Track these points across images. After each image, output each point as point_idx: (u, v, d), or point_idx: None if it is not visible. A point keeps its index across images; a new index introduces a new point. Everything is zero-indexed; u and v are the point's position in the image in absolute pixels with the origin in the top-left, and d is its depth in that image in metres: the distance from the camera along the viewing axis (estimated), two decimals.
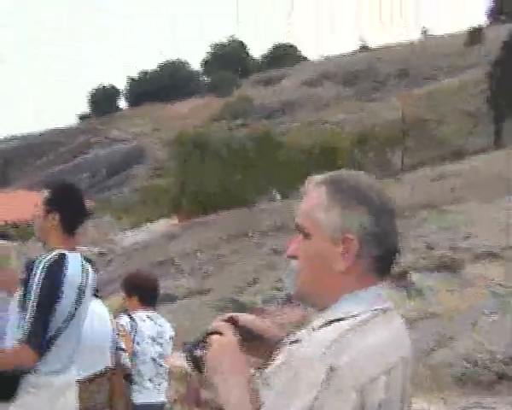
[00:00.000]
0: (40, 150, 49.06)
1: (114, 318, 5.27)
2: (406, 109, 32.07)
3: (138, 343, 5.42)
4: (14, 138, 54.13)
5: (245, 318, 1.98)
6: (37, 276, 3.64)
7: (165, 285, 15.96)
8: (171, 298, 14.65)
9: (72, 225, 3.85)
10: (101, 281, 17.64)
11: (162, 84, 57.45)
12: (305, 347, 1.61)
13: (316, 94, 48.35)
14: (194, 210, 23.52)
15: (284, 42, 67.47)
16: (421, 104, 34.20)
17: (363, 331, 1.64)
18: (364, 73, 50.26)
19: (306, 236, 1.73)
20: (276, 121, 41.84)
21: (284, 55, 61.79)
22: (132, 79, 62.71)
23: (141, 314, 5.45)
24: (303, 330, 1.69)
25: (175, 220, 24.58)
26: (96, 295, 4.81)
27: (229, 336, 1.81)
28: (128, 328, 5.35)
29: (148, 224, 25.19)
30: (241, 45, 64.50)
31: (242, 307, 12.42)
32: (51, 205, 3.85)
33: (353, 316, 1.66)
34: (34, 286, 3.64)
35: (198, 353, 1.79)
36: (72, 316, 3.79)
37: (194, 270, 17.32)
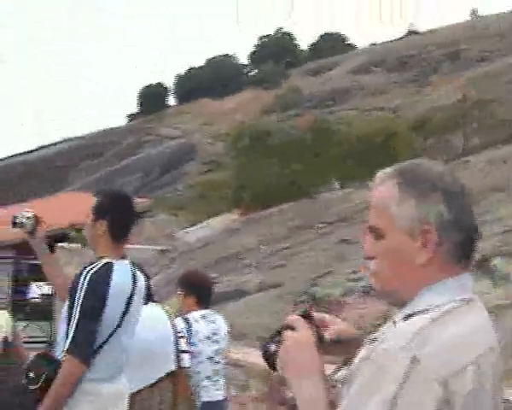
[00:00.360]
0: (93, 151, 49.35)
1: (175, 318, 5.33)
2: (463, 92, 31.44)
3: (194, 344, 5.43)
4: (68, 140, 54.56)
5: (323, 318, 1.95)
6: (82, 286, 3.69)
7: (234, 281, 15.72)
8: (241, 293, 14.36)
9: (120, 233, 3.91)
10: (163, 280, 17.38)
11: (210, 80, 57.43)
12: (387, 340, 1.59)
13: (366, 81, 47.85)
14: (254, 204, 23.26)
15: (330, 31, 67.11)
16: (477, 86, 33.47)
17: (447, 322, 1.61)
18: (414, 57, 49.55)
19: (380, 235, 1.72)
20: (328, 110, 41.44)
21: (332, 45, 61.44)
22: (180, 76, 62.86)
23: (195, 315, 5.50)
24: (384, 327, 1.68)
25: (235, 215, 24.29)
26: (153, 301, 5.03)
27: (304, 332, 1.78)
28: (183, 330, 5.37)
29: (210, 220, 24.91)
30: (289, 36, 64.27)
31: (318, 300, 12.12)
32: (99, 213, 3.90)
33: (436, 307, 1.64)
34: (79, 296, 3.69)
35: (272, 348, 1.75)
36: (119, 325, 3.80)
37: (260, 264, 16.98)
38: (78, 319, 3.68)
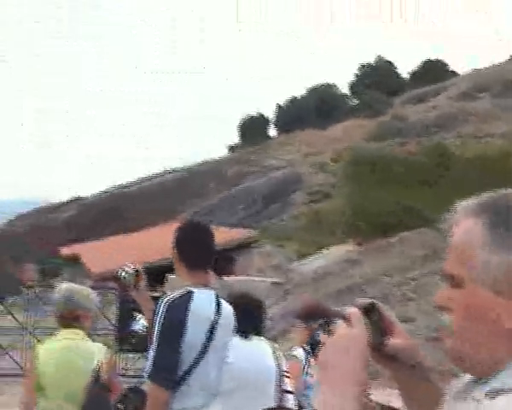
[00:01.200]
0: (196, 182, 49.62)
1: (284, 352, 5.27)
2: None
3: (312, 375, 5.35)
4: (170, 172, 55.08)
5: (392, 321, 1.62)
6: (162, 313, 3.78)
7: None
8: None
9: (194, 262, 4.01)
10: (278, 313, 16.90)
11: (311, 109, 57.39)
12: None
13: (472, 107, 46.85)
14: (371, 233, 22.67)
15: (431, 58, 66.29)
16: None
17: None
18: None
19: (459, 284, 1.43)
20: (435, 138, 40.59)
21: (433, 71, 60.67)
22: (281, 106, 62.99)
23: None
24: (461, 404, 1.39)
25: (350, 245, 23.72)
26: (258, 333, 5.02)
27: (359, 330, 1.50)
28: (302, 359, 5.41)
29: (325, 250, 24.40)
30: (389, 64, 63.84)
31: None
32: (175, 243, 4.10)
33: None
34: (158, 324, 3.78)
35: (319, 338, 1.26)
36: (203, 352, 3.83)
37: (385, 296, 16.36)
38: (158, 346, 3.71)
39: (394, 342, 1.62)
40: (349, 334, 1.49)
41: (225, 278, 17.78)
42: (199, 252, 4.06)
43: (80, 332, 5.13)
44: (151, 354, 3.76)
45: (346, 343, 1.48)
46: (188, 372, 3.77)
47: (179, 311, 3.80)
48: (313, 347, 5.62)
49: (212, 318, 3.91)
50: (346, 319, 1.53)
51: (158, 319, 3.80)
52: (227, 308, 4.08)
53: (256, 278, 21.07)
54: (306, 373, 5.47)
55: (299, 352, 5.57)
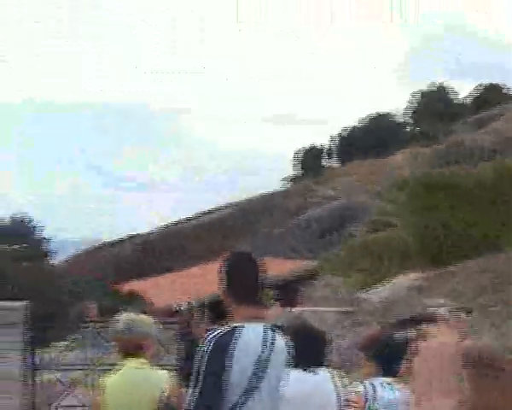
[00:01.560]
0: (255, 216, 49.61)
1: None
2: None
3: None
4: (227, 206, 55.21)
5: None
6: (205, 350, 3.71)
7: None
8: None
9: (241, 295, 3.88)
10: (346, 344, 16.39)
11: (368, 139, 57.20)
12: None
13: None
14: (437, 260, 22.07)
15: (488, 82, 65.57)
16: None
17: None
18: None
19: None
20: (495, 163, 39.90)
21: (491, 96, 60.04)
22: (336, 137, 63.02)
23: (381, 380, 5.23)
24: None
25: (417, 273, 23.13)
26: (319, 364, 4.93)
27: (454, 339, 1.50)
28: (364, 395, 5.16)
29: (392, 279, 23.89)
30: (444, 90, 63.35)
31: None
32: (221, 276, 4.00)
33: None
34: (201, 361, 3.69)
35: (403, 337, 1.19)
36: (253, 388, 3.70)
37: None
38: (201, 384, 3.64)
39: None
40: (445, 343, 1.24)
41: (292, 309, 17.47)
42: (245, 284, 3.94)
43: (144, 361, 5.16)
44: (193, 391, 3.70)
45: (441, 349, 1.21)
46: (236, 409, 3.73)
47: (224, 347, 3.72)
48: (392, 346, 5.36)
49: (261, 354, 3.79)
50: (435, 322, 1.26)
51: (204, 355, 3.72)
52: (280, 342, 3.94)
53: (323, 309, 20.69)
54: (369, 408, 5.22)
55: (365, 385, 5.29)
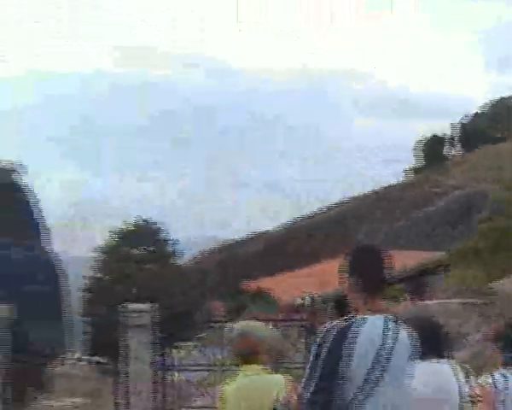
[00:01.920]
0: (377, 208, 49.27)
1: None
2: None
3: (505, 403, 5.07)
4: (347, 201, 55.05)
5: None
6: (325, 341, 3.72)
7: None
8: None
9: (365, 288, 3.86)
10: (476, 336, 15.91)
11: (491, 124, 55.75)
12: None
13: None
14: None
15: None
16: None
17: None
18: None
19: None
20: None
21: None
22: (457, 124, 61.71)
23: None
24: None
25: None
26: (441, 356, 4.89)
27: None
28: (494, 386, 5.06)
29: None
30: None
31: None
32: (345, 270, 3.95)
33: None
34: (319, 349, 3.72)
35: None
36: (374, 380, 3.72)
37: None
38: (320, 378, 3.69)
39: None
40: None
41: (420, 302, 17.18)
42: (370, 277, 3.92)
43: (258, 368, 5.27)
44: (311, 384, 3.74)
45: None
46: (351, 404, 3.75)
47: (341, 341, 3.75)
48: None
49: (382, 345, 3.80)
50: None
51: (324, 348, 3.76)
52: (403, 333, 3.90)
53: (452, 300, 20.24)
54: (503, 401, 5.08)
55: (495, 377, 5.16)
